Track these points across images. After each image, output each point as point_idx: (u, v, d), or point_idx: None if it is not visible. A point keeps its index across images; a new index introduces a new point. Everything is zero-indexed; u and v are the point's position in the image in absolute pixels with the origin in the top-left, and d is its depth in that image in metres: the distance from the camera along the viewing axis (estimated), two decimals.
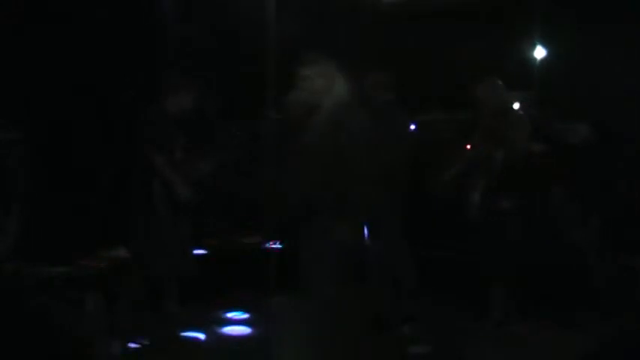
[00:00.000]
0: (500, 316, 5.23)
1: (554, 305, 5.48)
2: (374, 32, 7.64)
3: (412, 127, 8.25)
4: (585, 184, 5.75)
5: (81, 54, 6.32)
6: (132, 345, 4.77)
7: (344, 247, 3.92)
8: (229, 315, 5.66)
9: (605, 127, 6.21)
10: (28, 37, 6.19)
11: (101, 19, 6.47)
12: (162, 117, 5.15)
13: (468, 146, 5.67)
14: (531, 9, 7.75)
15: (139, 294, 5.04)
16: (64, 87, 6.26)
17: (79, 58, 6.28)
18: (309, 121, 3.91)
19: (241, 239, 8.07)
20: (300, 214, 3.94)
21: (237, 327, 5.36)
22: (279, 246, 6.85)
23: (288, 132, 3.99)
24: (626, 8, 6.74)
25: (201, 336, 5.09)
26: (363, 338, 4.18)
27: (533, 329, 5.21)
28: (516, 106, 7.18)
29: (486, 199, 5.21)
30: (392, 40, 7.59)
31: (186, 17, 7.82)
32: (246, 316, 5.63)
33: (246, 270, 6.18)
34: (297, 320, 3.92)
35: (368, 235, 5.74)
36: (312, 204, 3.88)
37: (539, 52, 8.28)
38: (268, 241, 7.73)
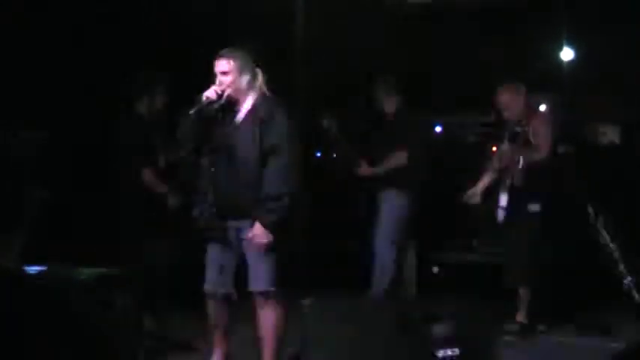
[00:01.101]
0: (527, 318, 5.20)
1: (580, 308, 5.44)
2: (397, 32, 7.62)
3: (438, 128, 8.23)
4: (611, 186, 5.70)
5: (103, 54, 6.34)
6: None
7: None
8: None
9: (633, 130, 6.16)
10: (48, 37, 6.22)
11: (121, 19, 6.48)
12: (139, 121, 5.04)
13: (494, 148, 5.65)
14: (559, 10, 7.69)
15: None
16: (85, 87, 6.28)
17: (101, 59, 6.30)
18: (229, 118, 3.86)
19: None
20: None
21: None
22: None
23: (207, 130, 3.89)
24: None
25: None
26: (389, 339, 4.16)
27: (559, 332, 5.18)
28: (542, 108, 7.14)
29: (512, 201, 5.19)
30: (417, 41, 7.56)
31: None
32: None
33: None
34: (323, 321, 3.89)
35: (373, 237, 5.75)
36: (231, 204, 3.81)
37: (567, 54, 8.20)
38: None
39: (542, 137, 5.15)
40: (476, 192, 5.40)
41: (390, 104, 5.81)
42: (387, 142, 5.74)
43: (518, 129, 5.18)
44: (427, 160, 5.90)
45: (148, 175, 4.95)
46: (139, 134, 5.01)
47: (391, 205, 5.72)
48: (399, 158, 5.63)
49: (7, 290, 1.23)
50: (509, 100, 5.29)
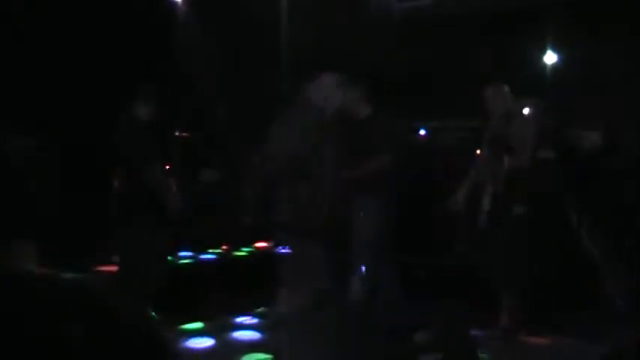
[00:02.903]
0: (511, 323, 5.20)
1: (564, 311, 5.46)
2: (387, 39, 7.66)
3: (422, 132, 8.26)
4: (593, 192, 5.73)
5: (97, 61, 6.36)
6: None
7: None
8: (240, 320, 5.65)
9: (615, 135, 6.20)
10: (39, 44, 6.22)
11: (116, 27, 6.51)
12: (139, 126, 5.11)
13: (478, 152, 5.66)
14: (544, 18, 7.75)
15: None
16: (78, 93, 6.29)
17: (95, 65, 6.32)
18: None
19: (253, 244, 8.09)
20: None
21: (247, 332, 5.34)
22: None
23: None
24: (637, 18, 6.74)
25: (211, 341, 5.08)
26: (375, 347, 4.16)
27: (544, 337, 5.19)
28: (525, 112, 7.18)
29: (495, 205, 5.19)
30: (404, 47, 7.60)
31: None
32: (256, 321, 5.62)
33: (257, 275, 6.20)
34: (308, 327, 3.89)
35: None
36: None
37: (551, 60, 8.27)
38: (280, 246, 7.72)
39: (523, 142, 5.15)
40: (457, 200, 5.38)
41: (361, 107, 5.62)
42: (362, 147, 5.59)
43: (499, 133, 5.18)
44: (406, 165, 5.82)
45: (155, 175, 5.02)
46: (140, 138, 5.07)
47: (369, 214, 5.60)
48: (379, 163, 5.48)
49: (44, 295, 1.22)
50: (493, 99, 5.25)
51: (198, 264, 7.27)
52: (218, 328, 5.41)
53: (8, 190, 1.29)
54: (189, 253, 7.46)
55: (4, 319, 1.14)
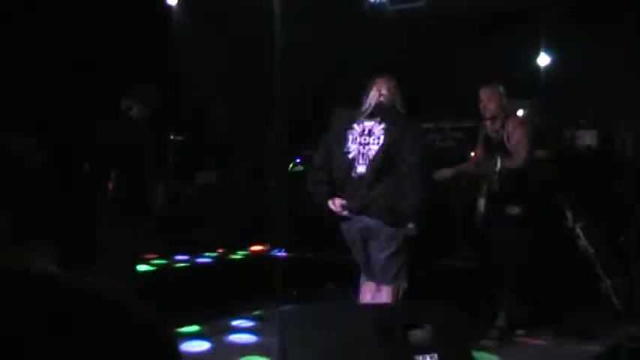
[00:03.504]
0: (509, 323, 5.20)
1: (558, 311, 5.47)
2: (381, 40, 7.66)
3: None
4: (589, 191, 5.73)
5: (96, 61, 6.36)
6: None
7: None
8: (236, 323, 5.64)
9: (610, 135, 6.20)
10: (39, 44, 6.22)
11: (116, 27, 6.51)
12: (137, 126, 5.12)
13: (472, 154, 5.67)
14: (538, 18, 7.76)
15: None
16: (77, 93, 6.29)
17: (95, 65, 6.33)
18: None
19: (248, 247, 8.09)
20: None
21: (243, 335, 5.33)
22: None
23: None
24: (631, 19, 6.75)
25: (207, 344, 5.07)
26: (370, 346, 4.15)
27: (541, 337, 5.19)
28: (521, 112, 7.19)
29: (491, 205, 5.19)
30: (398, 49, 7.61)
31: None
32: (252, 323, 5.61)
33: (253, 277, 6.20)
34: (303, 328, 3.88)
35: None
36: None
37: (545, 60, 8.28)
38: (275, 249, 7.74)
39: (518, 142, 5.13)
40: (449, 171, 5.40)
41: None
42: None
43: (494, 134, 5.18)
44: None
45: (157, 173, 5.06)
46: (138, 136, 5.07)
47: None
48: None
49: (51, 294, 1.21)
50: (488, 99, 5.22)
51: (195, 267, 7.27)
52: (214, 330, 5.40)
53: (7, 190, 1.27)
54: (186, 256, 7.45)
55: (4, 319, 1.13)
